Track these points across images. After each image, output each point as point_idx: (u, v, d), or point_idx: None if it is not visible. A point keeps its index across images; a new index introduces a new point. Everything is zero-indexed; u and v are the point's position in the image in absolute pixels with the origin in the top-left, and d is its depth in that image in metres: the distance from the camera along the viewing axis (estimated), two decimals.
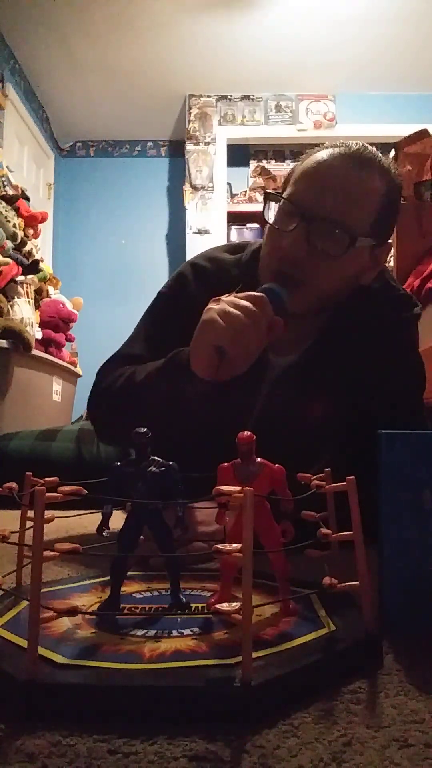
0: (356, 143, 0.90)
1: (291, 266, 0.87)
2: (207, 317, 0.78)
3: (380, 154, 0.91)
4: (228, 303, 0.78)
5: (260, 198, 4.04)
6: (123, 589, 0.52)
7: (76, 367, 3.13)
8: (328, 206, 0.85)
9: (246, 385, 0.93)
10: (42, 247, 3.11)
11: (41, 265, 2.67)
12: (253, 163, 4.60)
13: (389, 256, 2.32)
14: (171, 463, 0.52)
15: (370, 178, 0.87)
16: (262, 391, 0.98)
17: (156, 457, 0.52)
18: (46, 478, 0.52)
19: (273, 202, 0.91)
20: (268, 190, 0.92)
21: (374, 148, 0.91)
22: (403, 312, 0.99)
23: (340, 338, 0.95)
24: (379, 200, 0.88)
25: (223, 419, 0.81)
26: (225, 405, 0.86)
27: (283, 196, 0.90)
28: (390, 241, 0.97)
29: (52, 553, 0.41)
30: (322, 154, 0.88)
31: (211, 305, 0.80)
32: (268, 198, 0.91)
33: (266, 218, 0.91)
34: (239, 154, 4.59)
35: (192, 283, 1.01)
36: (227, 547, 0.41)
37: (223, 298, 0.80)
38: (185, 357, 0.82)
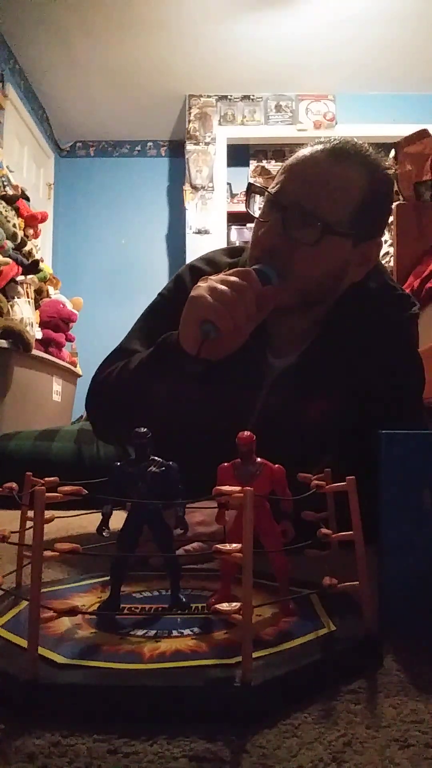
0: (338, 138, 0.90)
1: (269, 254, 0.87)
2: (195, 293, 0.80)
3: (368, 150, 0.90)
4: (215, 279, 0.80)
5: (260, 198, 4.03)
6: (123, 589, 0.52)
7: (76, 367, 3.12)
8: (302, 195, 0.86)
9: (245, 386, 0.93)
10: (42, 247, 3.11)
11: (41, 265, 2.67)
12: (253, 163, 4.60)
13: (389, 256, 2.34)
14: (171, 463, 0.52)
15: (348, 170, 0.87)
16: (262, 393, 0.98)
17: (156, 457, 0.52)
18: (46, 478, 0.52)
19: (258, 196, 0.94)
20: (251, 182, 0.96)
21: (362, 144, 0.91)
22: (402, 312, 0.99)
23: (338, 339, 0.95)
24: (360, 193, 0.87)
25: (222, 422, 0.81)
26: (224, 408, 0.86)
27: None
28: (383, 238, 0.97)
29: (52, 553, 0.41)
30: (305, 150, 0.90)
31: (200, 283, 0.81)
32: (251, 191, 0.94)
33: (251, 212, 0.93)
34: (239, 154, 4.59)
35: (189, 284, 1.02)
36: (227, 547, 0.41)
37: (212, 276, 0.82)
38: (175, 337, 0.84)
